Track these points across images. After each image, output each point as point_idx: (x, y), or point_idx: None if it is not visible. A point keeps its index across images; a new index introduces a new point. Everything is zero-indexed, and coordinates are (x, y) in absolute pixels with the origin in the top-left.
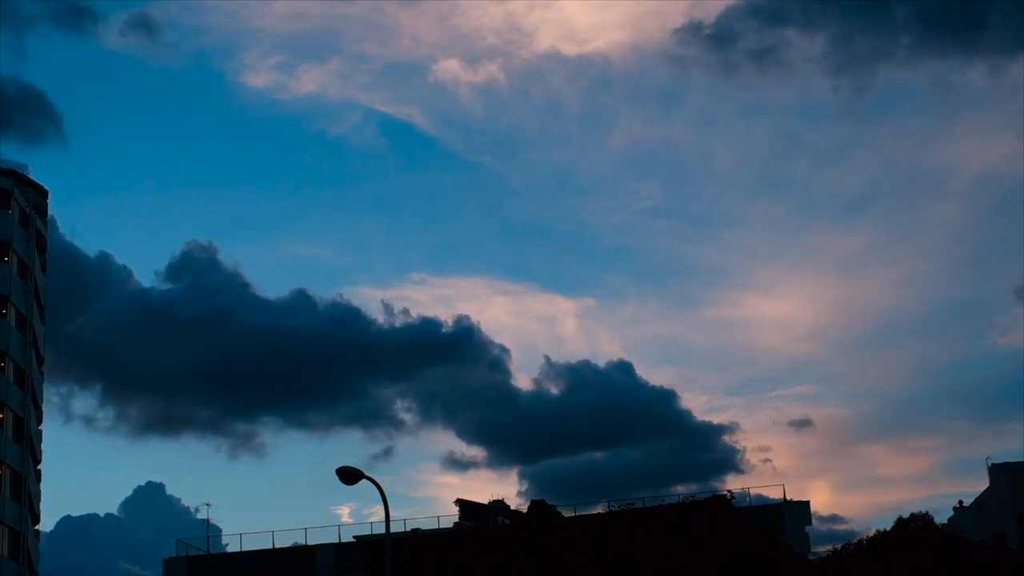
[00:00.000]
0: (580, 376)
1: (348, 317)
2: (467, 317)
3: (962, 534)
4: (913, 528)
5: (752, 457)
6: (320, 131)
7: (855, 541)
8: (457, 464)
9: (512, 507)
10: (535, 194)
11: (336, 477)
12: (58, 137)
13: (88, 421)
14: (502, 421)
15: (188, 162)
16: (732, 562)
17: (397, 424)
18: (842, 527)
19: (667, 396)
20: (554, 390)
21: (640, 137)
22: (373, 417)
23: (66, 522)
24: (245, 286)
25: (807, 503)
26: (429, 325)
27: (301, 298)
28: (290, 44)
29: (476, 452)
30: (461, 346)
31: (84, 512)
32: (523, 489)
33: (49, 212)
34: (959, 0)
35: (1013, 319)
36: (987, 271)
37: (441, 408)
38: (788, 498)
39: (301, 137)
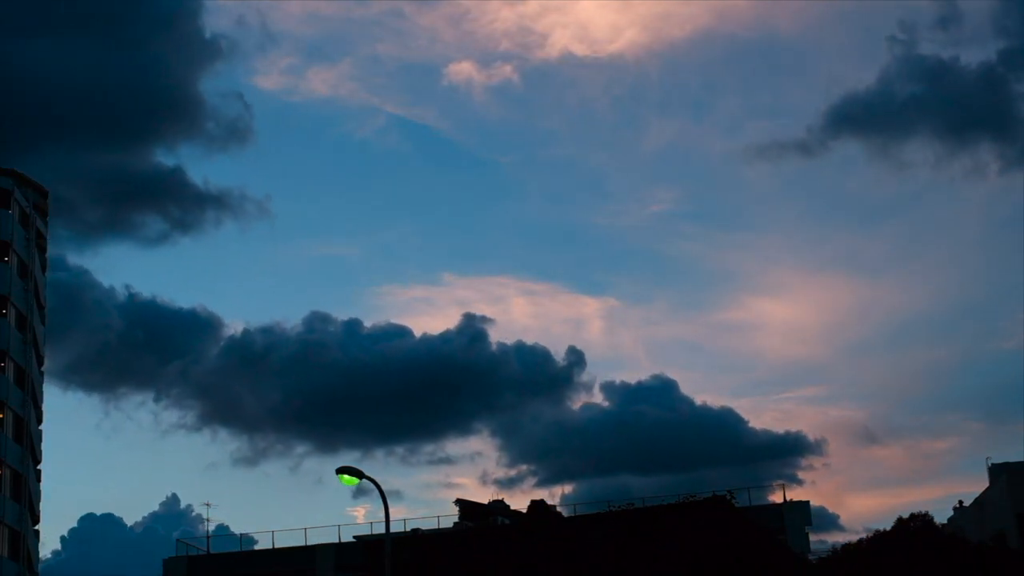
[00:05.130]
0: (615, 389)
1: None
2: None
3: (962, 534)
4: (913, 528)
5: (809, 474)
6: (344, 134)
7: (855, 541)
8: (501, 482)
9: (512, 507)
10: (554, 195)
11: (344, 479)
12: None
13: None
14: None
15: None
16: (732, 562)
17: (449, 456)
18: (849, 535)
19: (710, 408)
20: (591, 399)
21: (661, 139)
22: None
23: (88, 522)
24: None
25: (807, 503)
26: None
27: (403, 333)
28: (303, 46)
29: (525, 468)
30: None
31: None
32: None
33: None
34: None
35: (1016, 323)
36: (996, 277)
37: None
38: (788, 498)
39: (321, 140)
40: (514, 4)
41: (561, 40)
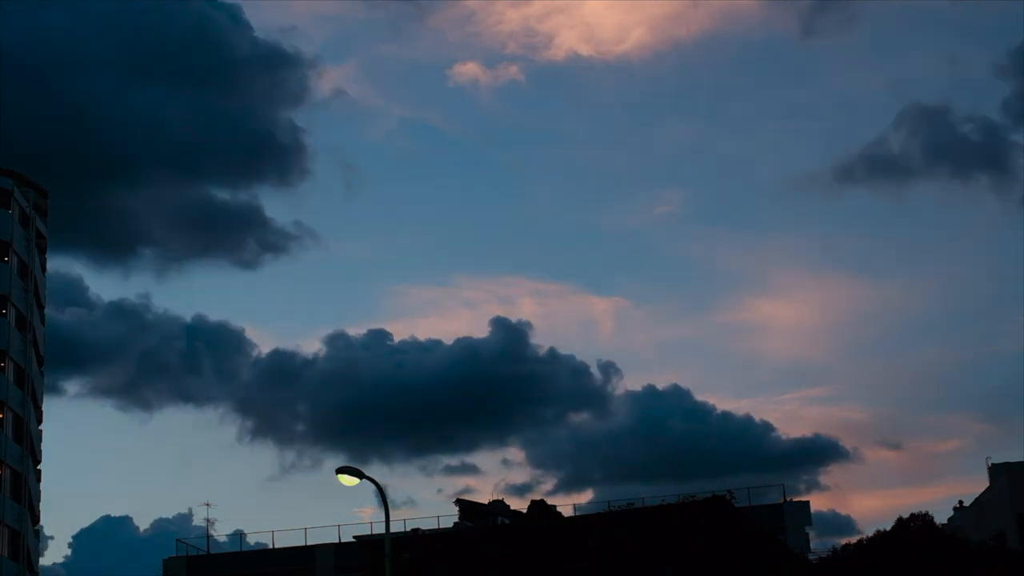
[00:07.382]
0: (626, 391)
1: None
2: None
3: (962, 534)
4: (913, 528)
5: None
6: (351, 135)
7: (855, 541)
8: (516, 489)
9: (512, 507)
10: (561, 196)
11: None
12: None
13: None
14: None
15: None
16: (732, 562)
17: (465, 464)
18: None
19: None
20: (599, 401)
21: (669, 141)
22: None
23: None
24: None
25: (807, 503)
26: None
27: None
28: (308, 47)
29: (539, 474)
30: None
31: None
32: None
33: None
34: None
35: (1016, 326)
36: (997, 280)
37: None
38: (789, 498)
39: (328, 140)
40: (519, 5)
41: (567, 41)
